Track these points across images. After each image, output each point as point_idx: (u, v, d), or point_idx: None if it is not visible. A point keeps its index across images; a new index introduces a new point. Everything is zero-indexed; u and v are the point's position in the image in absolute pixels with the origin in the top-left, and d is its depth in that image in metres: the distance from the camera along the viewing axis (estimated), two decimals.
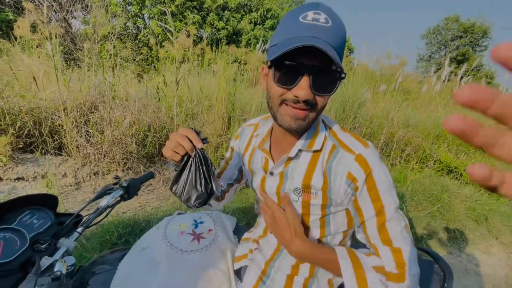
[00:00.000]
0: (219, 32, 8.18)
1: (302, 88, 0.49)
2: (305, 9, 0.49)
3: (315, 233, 0.63)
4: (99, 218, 0.77)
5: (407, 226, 0.56)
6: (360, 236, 0.60)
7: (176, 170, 0.66)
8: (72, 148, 2.30)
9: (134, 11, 7.68)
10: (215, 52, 5.61)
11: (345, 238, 0.66)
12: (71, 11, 8.17)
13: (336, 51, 0.48)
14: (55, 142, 2.33)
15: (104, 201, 0.78)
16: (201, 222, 0.82)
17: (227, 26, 8.10)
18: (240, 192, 2.40)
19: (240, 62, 5.70)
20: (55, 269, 0.55)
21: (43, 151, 2.28)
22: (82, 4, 8.64)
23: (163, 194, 2.30)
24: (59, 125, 2.32)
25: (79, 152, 2.30)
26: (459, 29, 19.52)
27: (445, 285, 0.78)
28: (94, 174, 2.27)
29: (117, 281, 0.64)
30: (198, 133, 0.60)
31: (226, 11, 8.25)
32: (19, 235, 0.62)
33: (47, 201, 0.73)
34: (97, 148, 2.30)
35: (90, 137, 2.35)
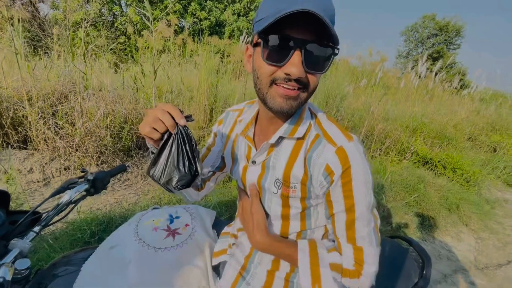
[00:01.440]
0: (201, 23, 7.92)
1: (294, 64, 0.45)
2: None
3: (296, 226, 0.60)
4: (61, 216, 0.69)
5: (377, 227, 0.55)
6: (328, 227, 0.59)
7: (153, 153, 0.58)
8: (39, 141, 2.12)
9: None
10: (197, 43, 5.43)
11: (328, 232, 0.64)
12: None
13: (332, 22, 0.44)
14: (19, 135, 2.14)
15: (66, 196, 0.69)
16: (177, 217, 0.76)
17: (209, 17, 7.85)
18: (222, 185, 2.35)
19: (223, 53, 5.56)
20: (8, 259, 0.48)
21: (4, 144, 2.08)
22: None
23: (141, 189, 2.20)
24: (23, 116, 2.12)
25: (47, 146, 2.13)
26: (434, 27, 20.34)
27: (424, 272, 0.79)
28: (65, 169, 2.12)
29: (80, 284, 0.58)
30: (181, 111, 0.53)
31: (208, 1, 7.99)
32: None
33: None
34: (67, 141, 2.13)
35: (59, 129, 2.18)
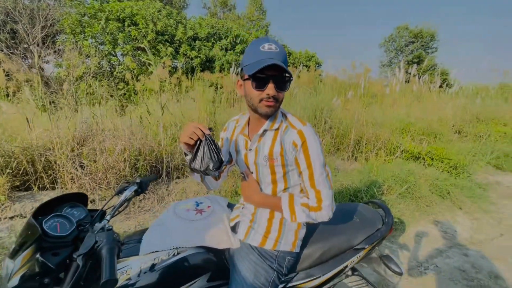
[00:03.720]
0: (192, 61, 8.63)
1: (270, 89, 0.81)
2: (261, 42, 0.81)
3: (281, 185, 0.91)
4: (121, 209, 0.99)
5: (329, 176, 0.86)
6: (302, 185, 0.90)
7: (186, 155, 0.90)
8: (67, 180, 2.43)
9: (107, 50, 7.97)
10: (191, 79, 5.96)
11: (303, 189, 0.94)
12: (43, 56, 8.32)
13: (285, 64, 0.80)
14: (50, 178, 2.45)
15: (123, 196, 1.00)
16: (201, 203, 1.05)
17: (199, 55, 8.57)
18: (232, 199, 2.61)
19: (216, 86, 6.06)
20: (106, 225, 0.77)
21: (39, 186, 2.39)
22: (54, 49, 8.83)
23: (159, 211, 2.46)
24: (52, 161, 2.46)
25: (74, 183, 2.43)
26: (410, 36, 21.66)
27: (386, 220, 1.07)
28: (91, 202, 2.40)
29: (144, 246, 0.86)
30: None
31: (197, 41, 8.76)
32: (67, 220, 0.83)
33: (79, 198, 0.94)
34: (91, 177, 2.44)
35: (83, 168, 2.50)
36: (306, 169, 0.84)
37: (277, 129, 0.88)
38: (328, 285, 1.00)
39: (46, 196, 2.34)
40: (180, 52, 8.34)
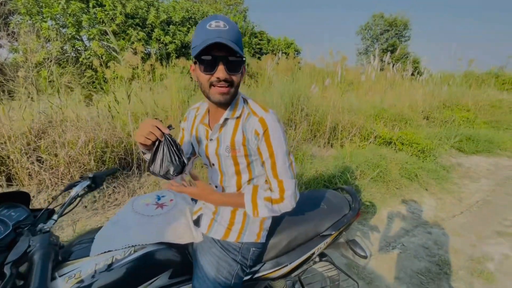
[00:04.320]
0: (167, 47, 8.19)
1: (220, 71, 0.72)
2: (209, 20, 0.72)
3: (245, 176, 0.87)
4: (71, 207, 0.90)
5: (292, 165, 0.82)
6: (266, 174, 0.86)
7: (144, 153, 0.82)
8: (24, 177, 2.23)
9: (70, 34, 7.31)
10: (166, 66, 5.66)
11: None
12: None
13: (236, 43, 0.72)
14: (3, 174, 2.23)
15: (73, 192, 0.91)
16: (163, 196, 0.99)
17: (174, 40, 8.15)
18: None
19: None
20: (44, 227, 0.69)
21: None
22: (7, 32, 7.94)
23: None
24: (4, 156, 2.23)
25: (32, 180, 2.24)
26: (385, 24, 22.17)
27: (352, 205, 1.08)
28: (52, 198, 2.23)
29: (96, 246, 0.79)
30: (161, 121, 0.76)
31: (171, 26, 8.30)
32: (1, 223, 0.73)
33: (19, 198, 0.84)
34: (52, 172, 2.26)
35: (42, 163, 2.30)
36: (269, 159, 0.79)
37: (239, 117, 0.82)
38: (296, 272, 1.00)
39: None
40: (153, 37, 7.87)
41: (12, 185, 2.26)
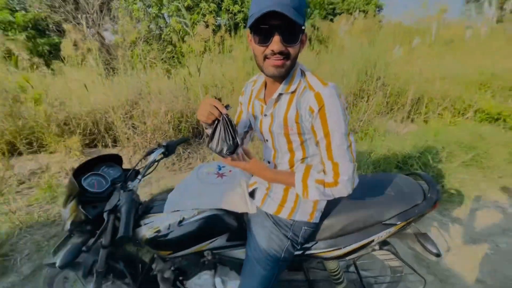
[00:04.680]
0: (235, 17, 8.21)
1: (276, 42, 0.67)
2: None
3: (299, 155, 0.83)
4: (151, 170, 1.07)
5: (351, 148, 0.73)
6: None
7: (206, 128, 0.87)
8: (124, 139, 2.76)
9: (154, 13, 8.10)
10: (234, 37, 5.73)
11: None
12: (102, 24, 8.97)
13: (297, 9, 0.64)
14: (111, 137, 2.82)
15: (151, 157, 1.07)
16: (223, 166, 1.07)
17: (242, 9, 8.07)
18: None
19: None
20: (131, 184, 0.85)
21: (103, 144, 2.79)
22: (110, 16, 9.39)
23: None
24: (111, 122, 2.79)
25: (129, 142, 2.75)
26: None
27: (429, 195, 0.92)
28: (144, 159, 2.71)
29: (168, 205, 0.93)
30: (220, 100, 0.76)
31: None
32: (103, 178, 0.94)
33: (115, 159, 1.05)
34: (142, 137, 2.72)
35: (135, 128, 2.78)
36: (324, 139, 0.73)
37: (294, 91, 0.76)
38: (352, 256, 0.96)
39: (111, 152, 2.73)
40: (222, 8, 7.98)
41: (116, 146, 2.84)
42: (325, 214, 0.92)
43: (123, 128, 2.70)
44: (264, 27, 0.66)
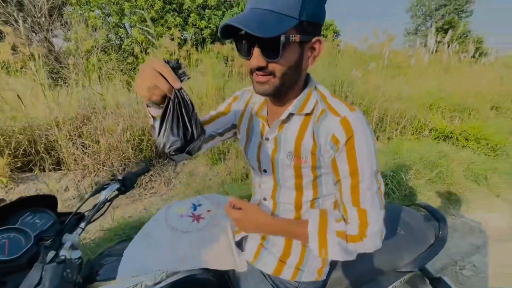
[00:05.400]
0: (202, 32, 8.12)
1: (255, 57, 0.52)
2: None
3: (308, 195, 0.65)
4: (100, 213, 0.79)
5: (380, 191, 0.58)
6: (336, 195, 0.63)
7: (148, 107, 0.54)
8: (70, 162, 2.31)
9: (114, 22, 7.60)
10: (201, 51, 5.57)
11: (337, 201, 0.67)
12: (51, 29, 8.09)
13: (286, 12, 0.48)
14: (52, 158, 2.34)
15: (102, 196, 0.80)
16: (199, 205, 0.84)
17: (209, 25, 8.03)
18: (242, 182, 2.43)
19: (227, 58, 5.66)
20: (60, 255, 0.57)
21: (41, 168, 2.30)
22: (61, 22, 8.54)
23: (166, 194, 2.33)
24: (54, 140, 2.33)
25: (78, 165, 2.32)
26: None
27: (440, 232, 0.81)
28: (95, 184, 2.29)
29: (124, 268, 0.67)
30: (176, 67, 0.49)
31: (207, 10, 8.17)
32: (23, 234, 0.64)
33: (46, 202, 0.75)
34: (94, 159, 2.31)
35: (86, 148, 2.36)
36: (349, 177, 0.56)
37: (310, 113, 0.60)
38: None
39: (50, 178, 2.25)
40: (189, 23, 7.83)
41: (60, 169, 2.37)
42: (332, 266, 0.74)
43: (70, 148, 2.27)
44: (242, 37, 0.52)
